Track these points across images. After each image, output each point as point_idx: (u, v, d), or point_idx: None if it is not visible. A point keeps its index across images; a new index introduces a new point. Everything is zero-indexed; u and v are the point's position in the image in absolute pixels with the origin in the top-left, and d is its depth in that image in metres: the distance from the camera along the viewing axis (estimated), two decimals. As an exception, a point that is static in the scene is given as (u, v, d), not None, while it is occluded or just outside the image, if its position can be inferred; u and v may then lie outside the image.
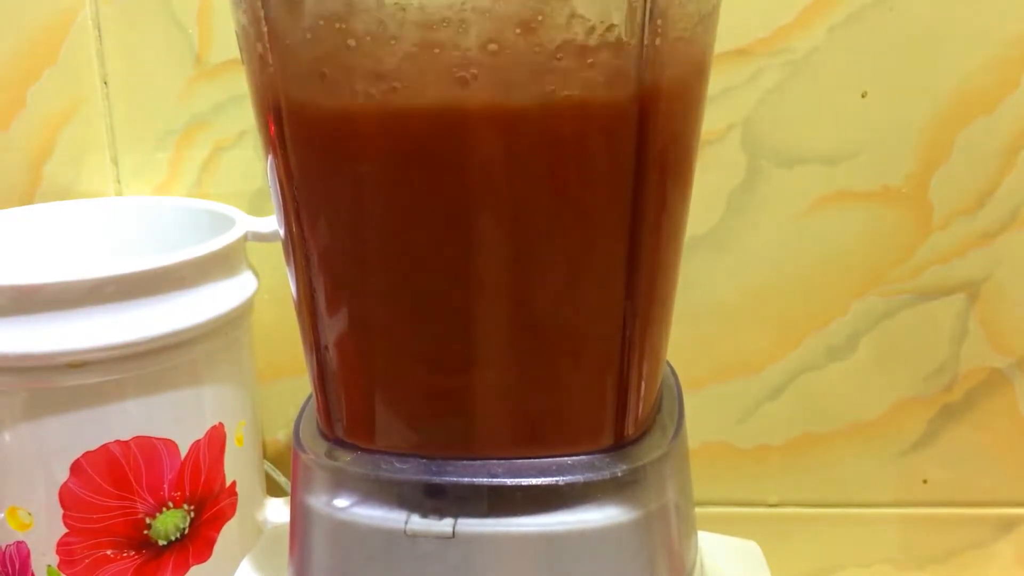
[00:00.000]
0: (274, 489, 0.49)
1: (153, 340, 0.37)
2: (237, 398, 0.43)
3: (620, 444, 0.28)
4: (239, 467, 0.43)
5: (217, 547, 0.42)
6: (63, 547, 0.39)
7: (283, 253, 0.28)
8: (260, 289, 0.43)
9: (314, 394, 0.30)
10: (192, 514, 0.41)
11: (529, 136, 0.24)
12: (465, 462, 0.27)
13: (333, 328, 0.27)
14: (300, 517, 0.29)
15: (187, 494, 0.40)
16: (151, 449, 0.39)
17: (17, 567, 0.39)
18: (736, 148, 0.47)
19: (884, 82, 0.45)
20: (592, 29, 0.23)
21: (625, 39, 0.23)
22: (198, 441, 0.40)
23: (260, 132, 0.27)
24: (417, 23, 0.22)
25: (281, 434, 0.54)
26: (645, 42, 0.23)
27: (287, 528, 0.30)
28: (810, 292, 0.49)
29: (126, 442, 0.38)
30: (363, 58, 0.23)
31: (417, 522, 0.27)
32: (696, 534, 0.32)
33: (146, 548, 0.40)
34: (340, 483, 0.28)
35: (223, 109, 0.49)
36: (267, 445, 0.54)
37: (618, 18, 0.23)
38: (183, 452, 0.40)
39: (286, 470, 0.51)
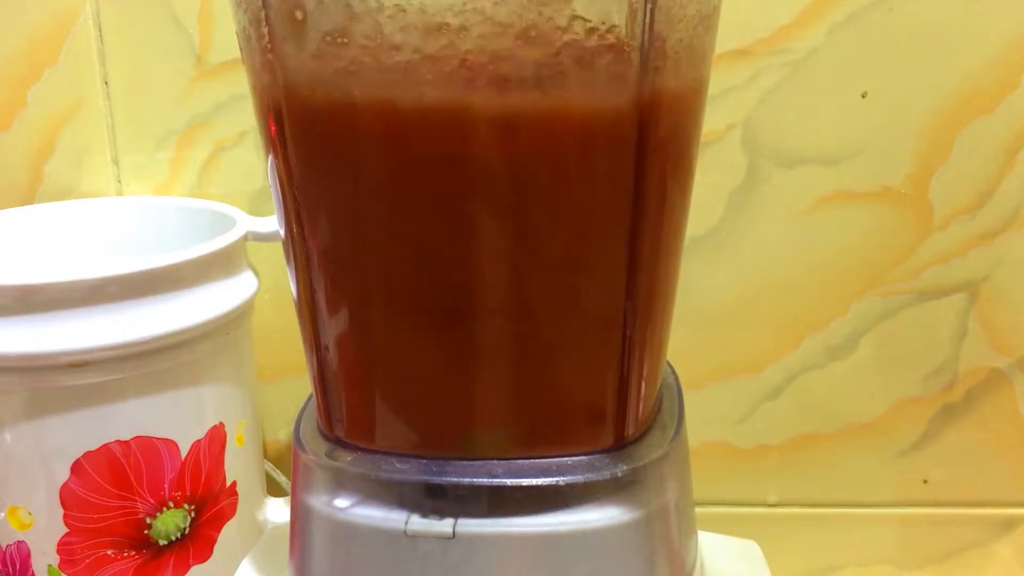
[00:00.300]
0: (274, 489, 0.49)
1: (154, 340, 0.37)
2: (237, 398, 0.43)
3: (620, 444, 0.28)
4: (240, 467, 0.43)
5: (217, 547, 0.42)
6: (64, 547, 0.39)
7: (283, 253, 0.28)
8: (260, 289, 0.43)
9: (314, 394, 0.30)
10: (192, 514, 0.41)
11: (530, 136, 0.24)
12: (465, 462, 0.27)
13: (333, 328, 0.27)
14: (300, 517, 0.29)
15: (188, 494, 0.40)
16: (152, 449, 0.39)
17: (18, 567, 0.39)
18: (736, 148, 0.47)
19: (884, 82, 0.45)
20: (593, 30, 0.23)
21: (626, 40, 0.23)
22: (199, 441, 0.40)
23: (260, 132, 0.27)
24: (417, 26, 0.22)
25: (281, 434, 0.54)
26: (646, 43, 0.23)
27: (287, 528, 0.30)
28: (810, 292, 0.49)
29: (127, 442, 0.38)
30: (364, 60, 0.23)
31: (417, 522, 0.27)
32: (696, 534, 0.32)
33: (146, 548, 0.40)
34: (340, 483, 0.28)
35: (224, 109, 0.49)
36: (267, 445, 0.54)
37: (619, 19, 0.23)
38: (184, 452, 0.40)
39: (286, 470, 0.51)
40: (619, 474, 0.27)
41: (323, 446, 0.29)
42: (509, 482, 0.26)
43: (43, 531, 0.38)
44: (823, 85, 0.45)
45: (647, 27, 0.23)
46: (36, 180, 0.51)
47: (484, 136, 0.24)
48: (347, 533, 0.28)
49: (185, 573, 0.41)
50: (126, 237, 0.48)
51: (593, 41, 0.23)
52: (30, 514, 0.38)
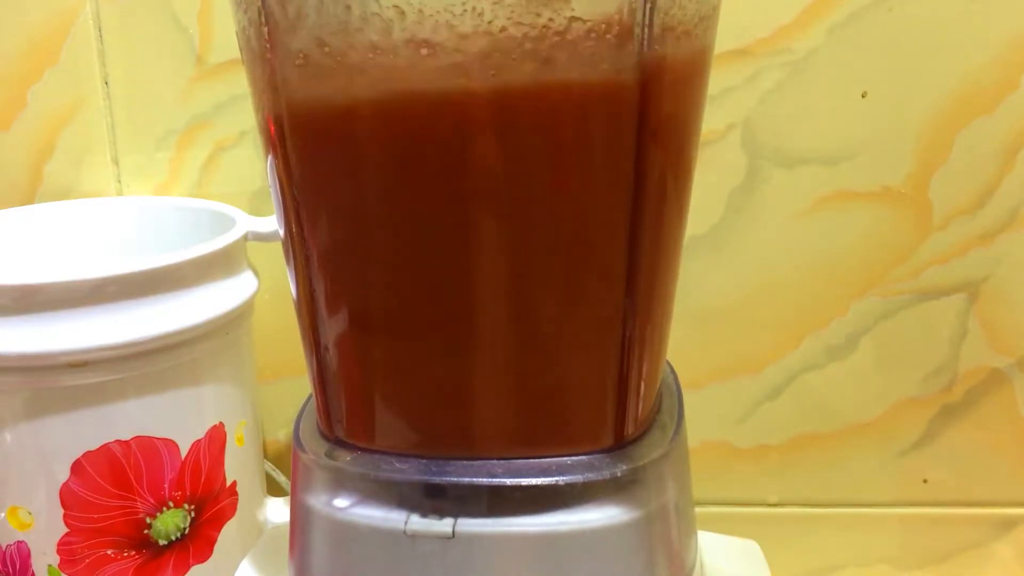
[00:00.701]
0: (274, 489, 0.49)
1: (154, 340, 0.37)
2: (237, 398, 0.43)
3: (620, 444, 0.28)
4: (239, 467, 0.43)
5: (217, 547, 0.42)
6: (64, 547, 0.39)
7: (283, 253, 0.28)
8: (260, 289, 0.43)
9: (314, 394, 0.30)
10: (192, 514, 0.41)
11: (529, 136, 0.24)
12: (465, 462, 0.27)
13: (333, 328, 0.27)
14: (300, 517, 0.29)
15: (187, 494, 0.40)
16: (152, 449, 0.39)
17: (18, 567, 0.39)
18: (736, 148, 0.47)
19: (884, 82, 0.45)
20: (592, 30, 0.23)
21: (625, 40, 0.23)
22: (198, 441, 0.40)
23: (260, 132, 0.27)
24: (416, 26, 0.22)
25: (281, 434, 0.54)
26: (644, 44, 0.23)
27: (287, 528, 0.30)
28: (810, 292, 0.49)
29: (127, 442, 0.38)
30: (363, 60, 0.23)
31: (417, 522, 0.27)
32: (696, 534, 0.32)
33: (146, 548, 0.40)
34: (340, 483, 0.28)
35: (224, 109, 0.49)
36: (267, 445, 0.54)
37: (618, 20, 0.23)
38: (183, 452, 0.40)
39: (286, 470, 0.51)
40: (619, 474, 0.27)
41: (323, 446, 0.29)
42: (509, 482, 0.26)
43: (43, 531, 0.38)
44: (823, 85, 0.45)
45: (646, 27, 0.23)
46: (36, 180, 0.51)
47: (484, 136, 0.24)
48: (347, 533, 0.28)
49: (185, 573, 0.41)
50: (126, 237, 0.48)
51: (592, 41, 0.23)
52: (30, 514, 0.38)
